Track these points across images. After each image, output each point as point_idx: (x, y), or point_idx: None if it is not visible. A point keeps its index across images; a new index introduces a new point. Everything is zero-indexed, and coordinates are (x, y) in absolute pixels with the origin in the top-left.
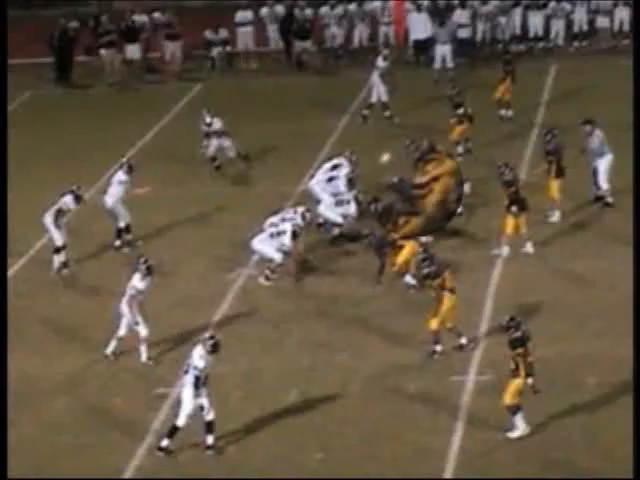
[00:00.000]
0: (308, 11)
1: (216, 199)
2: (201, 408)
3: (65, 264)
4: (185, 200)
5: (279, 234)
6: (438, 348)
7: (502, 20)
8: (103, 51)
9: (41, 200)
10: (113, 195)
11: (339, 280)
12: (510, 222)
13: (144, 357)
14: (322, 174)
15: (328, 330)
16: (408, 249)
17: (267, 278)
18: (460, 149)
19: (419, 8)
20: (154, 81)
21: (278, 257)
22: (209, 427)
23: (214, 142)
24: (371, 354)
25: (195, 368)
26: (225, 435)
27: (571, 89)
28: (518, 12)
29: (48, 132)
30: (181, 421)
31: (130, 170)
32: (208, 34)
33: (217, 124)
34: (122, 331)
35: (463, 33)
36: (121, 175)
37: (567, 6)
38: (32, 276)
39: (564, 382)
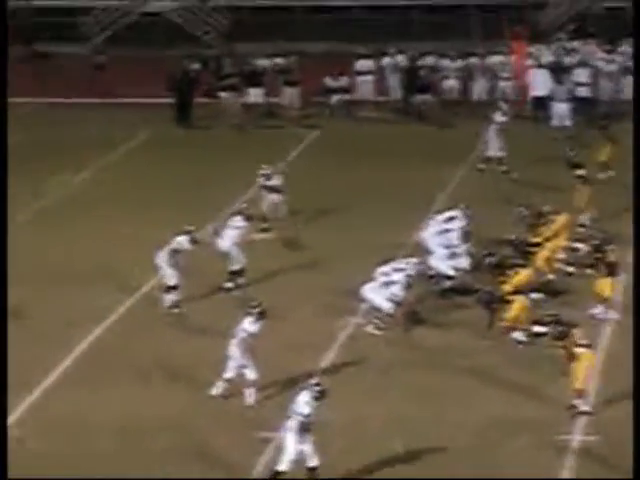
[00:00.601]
0: (429, 59)
1: (327, 246)
2: (304, 454)
3: (177, 304)
4: (296, 246)
5: (391, 284)
6: (584, 407)
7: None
8: (224, 94)
9: (156, 238)
10: (229, 239)
11: (448, 332)
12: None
13: (250, 400)
14: (436, 225)
15: (435, 381)
16: (518, 305)
17: (377, 327)
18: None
19: (540, 64)
20: (273, 126)
21: (389, 307)
22: (312, 473)
23: (268, 197)
24: (478, 406)
25: (300, 414)
26: None
27: None
28: None
29: (166, 171)
30: (283, 466)
31: (249, 219)
32: (328, 81)
33: (276, 180)
34: (230, 373)
35: (583, 92)
36: (239, 221)
37: None
38: (143, 313)
39: None
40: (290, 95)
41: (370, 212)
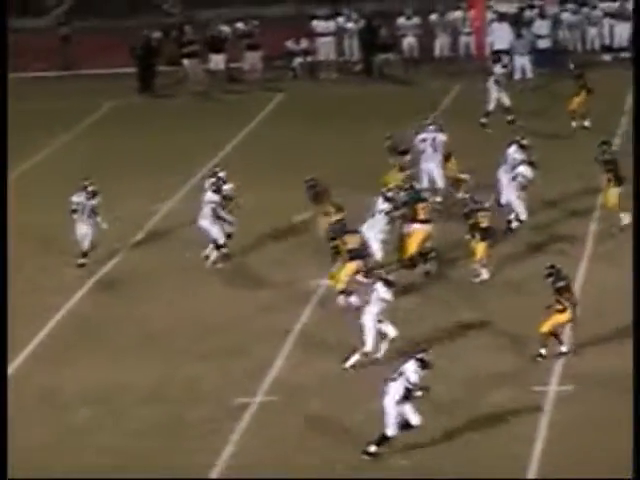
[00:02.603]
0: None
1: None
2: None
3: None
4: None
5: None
6: (543, 352)
7: (591, 30)
8: (186, 61)
9: (129, 208)
10: (206, 216)
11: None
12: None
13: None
14: None
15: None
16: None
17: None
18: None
19: (500, 18)
20: (236, 91)
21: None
22: (405, 428)
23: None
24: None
25: (407, 380)
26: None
27: None
28: (606, 22)
29: (133, 141)
30: (390, 431)
31: (218, 190)
32: (289, 44)
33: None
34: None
35: (543, 44)
36: (210, 195)
37: None
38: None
39: None
40: (252, 59)
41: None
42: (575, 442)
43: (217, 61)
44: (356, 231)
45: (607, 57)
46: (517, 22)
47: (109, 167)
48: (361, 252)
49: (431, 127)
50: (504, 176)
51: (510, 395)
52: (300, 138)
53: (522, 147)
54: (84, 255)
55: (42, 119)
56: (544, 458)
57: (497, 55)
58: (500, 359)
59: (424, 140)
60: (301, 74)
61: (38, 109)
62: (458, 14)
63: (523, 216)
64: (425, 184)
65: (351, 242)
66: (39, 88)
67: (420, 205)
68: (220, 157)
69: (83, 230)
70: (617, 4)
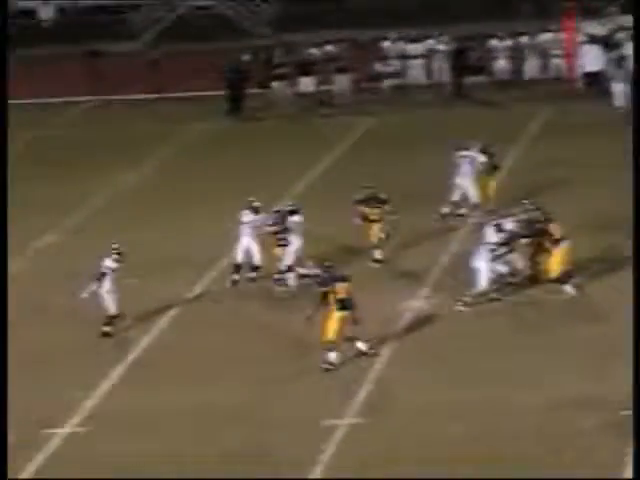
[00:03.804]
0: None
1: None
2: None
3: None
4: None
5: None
6: None
7: None
8: (275, 84)
9: (215, 230)
10: (247, 234)
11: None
12: None
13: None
14: None
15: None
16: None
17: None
18: None
19: (591, 40)
20: (326, 114)
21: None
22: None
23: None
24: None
25: (488, 244)
26: None
27: None
28: None
29: (220, 163)
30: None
31: (256, 211)
32: (378, 66)
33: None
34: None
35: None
36: (249, 215)
37: None
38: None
39: None
40: (341, 82)
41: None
42: None
43: (306, 84)
44: (344, 279)
45: None
46: (607, 44)
47: (196, 190)
48: (350, 302)
49: (474, 148)
50: None
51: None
52: (390, 162)
53: None
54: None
55: (131, 142)
56: None
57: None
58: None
59: (464, 157)
60: (390, 97)
61: (127, 132)
62: (548, 36)
63: None
64: (456, 198)
65: (341, 292)
66: (129, 111)
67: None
68: (307, 181)
69: None
70: None
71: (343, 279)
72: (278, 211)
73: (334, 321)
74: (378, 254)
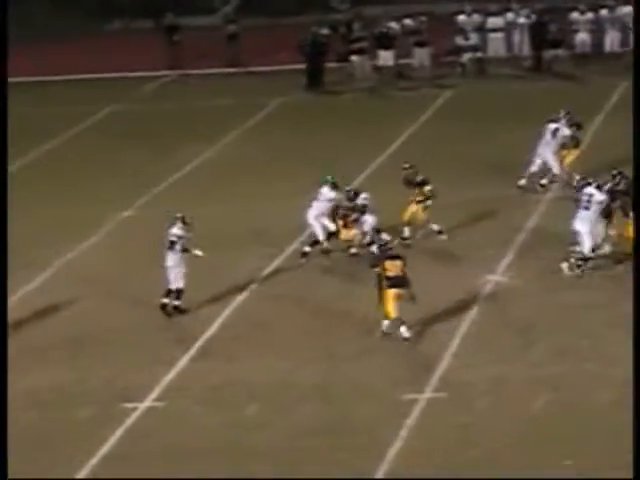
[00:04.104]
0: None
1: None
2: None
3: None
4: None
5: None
6: None
7: None
8: (354, 58)
9: (295, 205)
10: (318, 209)
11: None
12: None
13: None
14: None
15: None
16: None
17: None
18: None
19: None
20: (405, 87)
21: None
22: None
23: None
24: (620, 361)
25: (596, 202)
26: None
27: None
28: None
29: (299, 138)
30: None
31: (335, 187)
32: (459, 40)
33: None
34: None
35: None
36: (329, 193)
37: None
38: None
39: None
40: (420, 56)
41: (508, 170)
42: None
43: (385, 58)
44: (398, 257)
45: None
46: None
47: (275, 164)
48: (402, 280)
49: (563, 120)
50: None
51: None
52: (469, 135)
53: None
54: None
55: (209, 116)
56: None
57: None
58: None
59: (549, 128)
60: (470, 70)
61: (205, 106)
62: (628, 9)
63: None
64: (535, 168)
65: (391, 269)
66: (207, 86)
67: None
68: (387, 154)
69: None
70: None
71: (392, 257)
72: (350, 190)
73: (387, 299)
74: (407, 232)
